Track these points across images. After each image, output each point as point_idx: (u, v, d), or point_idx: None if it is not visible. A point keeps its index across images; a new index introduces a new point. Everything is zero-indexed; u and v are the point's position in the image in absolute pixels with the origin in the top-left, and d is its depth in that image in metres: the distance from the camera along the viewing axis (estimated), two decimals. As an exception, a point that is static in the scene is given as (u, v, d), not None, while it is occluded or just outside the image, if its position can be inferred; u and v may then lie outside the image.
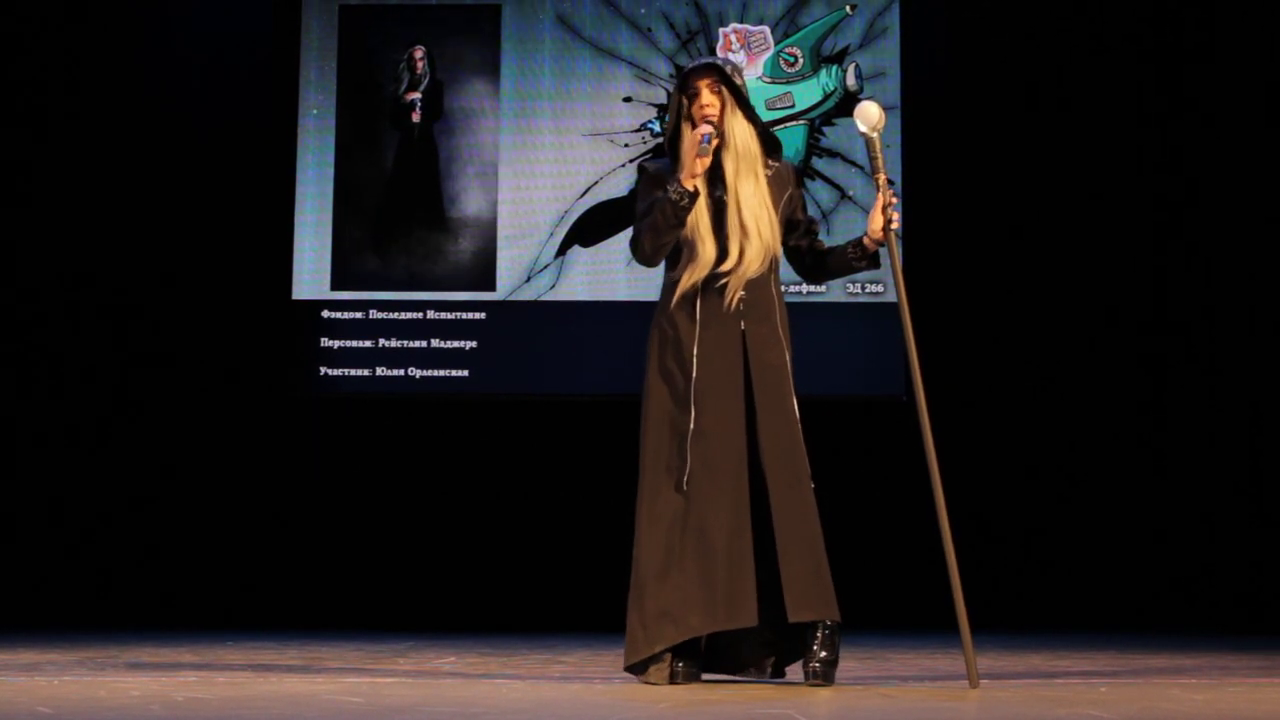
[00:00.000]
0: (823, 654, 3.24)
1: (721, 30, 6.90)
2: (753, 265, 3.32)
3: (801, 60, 6.86)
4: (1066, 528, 6.61)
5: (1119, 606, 6.45)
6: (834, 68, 6.86)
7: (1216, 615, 6.21)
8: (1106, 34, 6.84)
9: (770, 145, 3.45)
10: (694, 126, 3.35)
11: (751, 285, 3.34)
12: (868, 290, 6.67)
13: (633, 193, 6.85)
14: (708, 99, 3.36)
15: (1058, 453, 6.67)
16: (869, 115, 3.40)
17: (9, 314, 6.76)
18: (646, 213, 3.38)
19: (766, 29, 6.88)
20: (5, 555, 6.60)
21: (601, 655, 4.47)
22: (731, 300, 3.32)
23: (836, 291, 6.66)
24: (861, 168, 6.73)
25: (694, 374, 3.31)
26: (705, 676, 3.40)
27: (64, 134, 6.86)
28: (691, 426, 3.29)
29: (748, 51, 6.85)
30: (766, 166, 3.43)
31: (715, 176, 3.38)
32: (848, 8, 6.89)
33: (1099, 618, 6.34)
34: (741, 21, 6.90)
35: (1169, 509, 6.58)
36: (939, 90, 6.87)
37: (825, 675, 3.23)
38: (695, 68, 3.39)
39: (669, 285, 3.40)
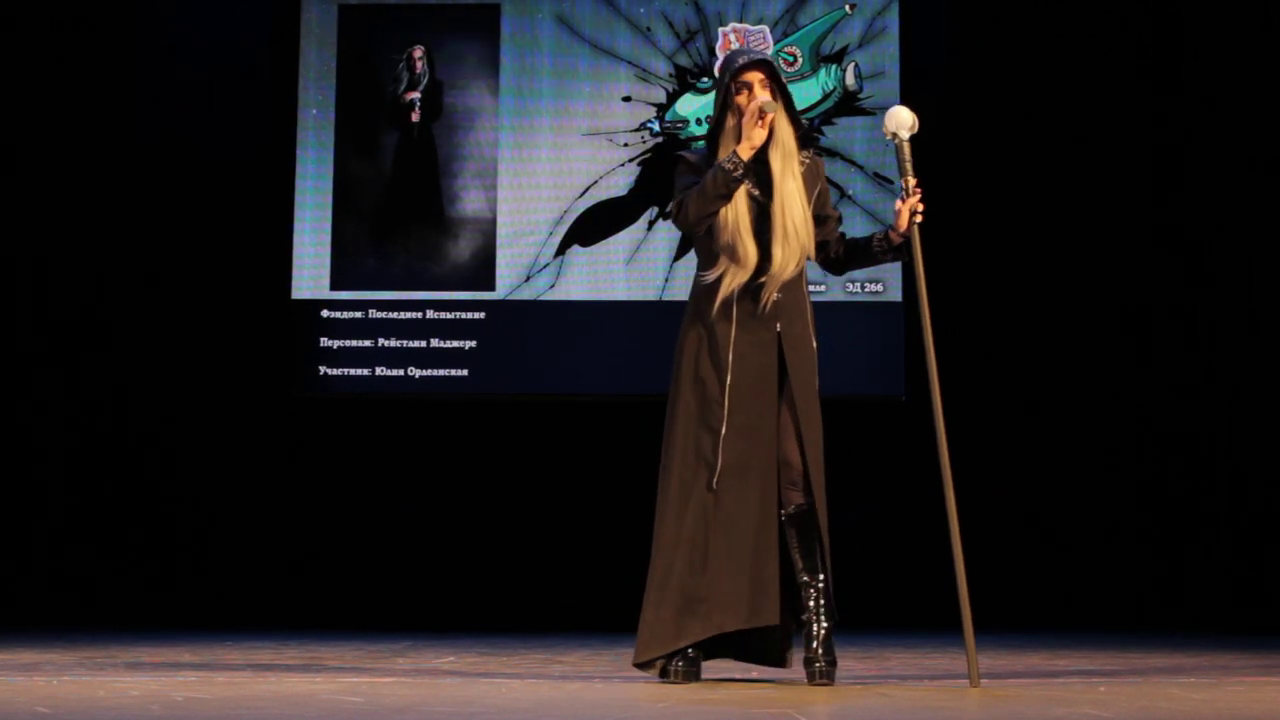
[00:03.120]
0: (824, 654, 3.26)
1: (721, 30, 6.89)
2: (789, 267, 3.31)
3: (801, 60, 6.85)
4: (1067, 527, 6.60)
5: (1119, 606, 6.45)
6: (833, 67, 6.86)
7: (1216, 615, 6.20)
8: (1106, 32, 6.83)
9: (804, 140, 3.44)
10: (739, 118, 3.30)
11: (785, 286, 3.34)
12: (867, 290, 6.66)
13: (631, 192, 6.86)
14: (762, 94, 3.31)
15: (1058, 452, 6.66)
16: (901, 119, 3.39)
17: (8, 314, 6.75)
18: (689, 185, 3.33)
19: (766, 28, 6.87)
20: (5, 555, 6.59)
21: (600, 655, 4.46)
22: (767, 302, 3.32)
23: (836, 291, 6.64)
24: (861, 167, 6.72)
25: (729, 375, 3.31)
26: (715, 661, 3.42)
27: (62, 134, 6.84)
28: (724, 426, 3.30)
29: (747, 51, 6.84)
30: (799, 162, 3.41)
31: (759, 175, 3.34)
32: (847, 7, 6.88)
33: (1099, 618, 6.33)
34: (741, 21, 6.89)
35: (1169, 508, 6.57)
36: (938, 90, 6.85)
37: (829, 675, 3.25)
38: (750, 62, 3.33)
39: (704, 288, 3.37)
